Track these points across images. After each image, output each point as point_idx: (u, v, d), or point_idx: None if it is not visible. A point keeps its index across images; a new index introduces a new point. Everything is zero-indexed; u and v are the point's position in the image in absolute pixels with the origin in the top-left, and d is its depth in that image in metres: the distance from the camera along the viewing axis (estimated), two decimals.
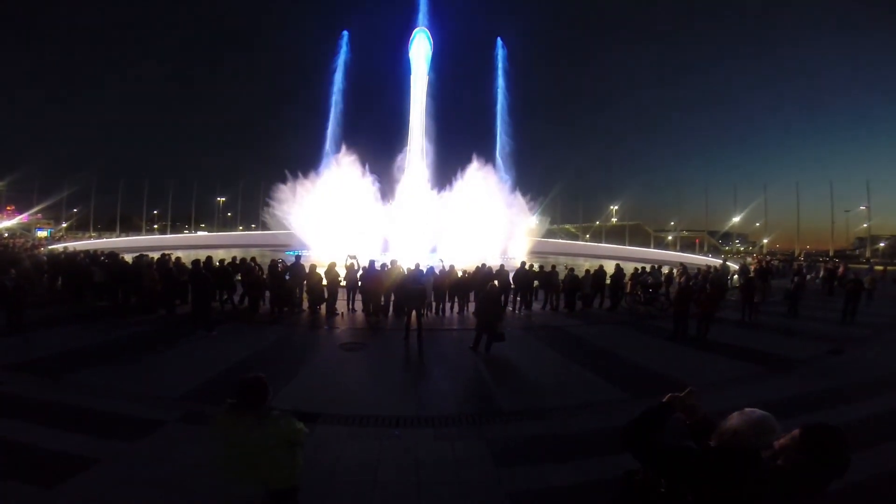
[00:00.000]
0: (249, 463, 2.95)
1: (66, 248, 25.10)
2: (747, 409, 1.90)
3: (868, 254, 50.31)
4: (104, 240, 44.22)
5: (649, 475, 1.99)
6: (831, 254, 49.74)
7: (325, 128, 38.68)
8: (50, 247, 29.55)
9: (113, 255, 16.69)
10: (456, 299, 13.65)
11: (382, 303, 12.45)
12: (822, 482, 1.82)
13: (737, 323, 12.46)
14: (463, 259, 20.05)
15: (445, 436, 5.38)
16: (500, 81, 40.26)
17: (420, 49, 36.36)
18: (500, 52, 40.75)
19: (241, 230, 52.18)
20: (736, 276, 21.72)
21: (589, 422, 5.88)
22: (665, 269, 18.15)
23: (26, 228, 56.38)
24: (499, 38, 40.80)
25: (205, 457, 4.59)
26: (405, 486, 4.23)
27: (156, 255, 14.89)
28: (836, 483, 1.83)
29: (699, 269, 19.29)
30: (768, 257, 40.14)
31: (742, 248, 64.19)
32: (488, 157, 38.09)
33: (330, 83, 39.07)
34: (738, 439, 1.81)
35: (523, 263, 14.90)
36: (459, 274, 13.88)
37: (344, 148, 34.62)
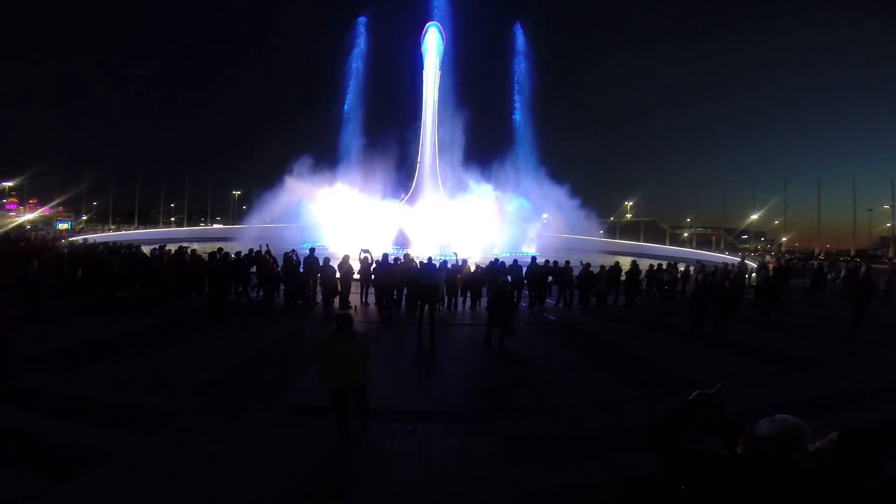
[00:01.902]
0: (342, 369, 4.74)
1: (85, 240, 25.57)
2: (778, 417, 1.80)
3: (891, 253, 48.92)
4: (122, 232, 45.05)
5: (670, 479, 1.91)
6: (852, 253, 48.54)
7: (339, 121, 38.91)
8: (70, 239, 30.18)
9: (130, 248, 16.96)
10: (469, 294, 13.58)
11: (395, 296, 12.47)
12: (855, 486, 1.76)
13: (754, 322, 12.20)
14: (475, 253, 20.02)
15: (457, 431, 5.36)
16: (519, 66, 40.20)
17: (432, 43, 36.28)
18: (519, 39, 40.59)
19: (256, 223, 52.57)
20: (754, 275, 21.32)
21: (602, 420, 5.81)
22: (681, 267, 17.86)
23: (47, 221, 57.63)
24: (517, 24, 40.62)
25: (219, 449, 4.65)
26: (417, 481, 4.22)
27: (174, 248, 15.10)
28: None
29: (716, 267, 18.96)
30: (787, 255, 39.32)
31: (759, 246, 62.92)
32: (505, 148, 38.15)
33: (345, 76, 39.28)
34: (767, 448, 1.73)
35: (534, 258, 14.75)
36: (473, 268, 13.80)
37: (358, 143, 34.95)
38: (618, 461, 4.55)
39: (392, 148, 36.82)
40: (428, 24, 36.56)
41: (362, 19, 40.87)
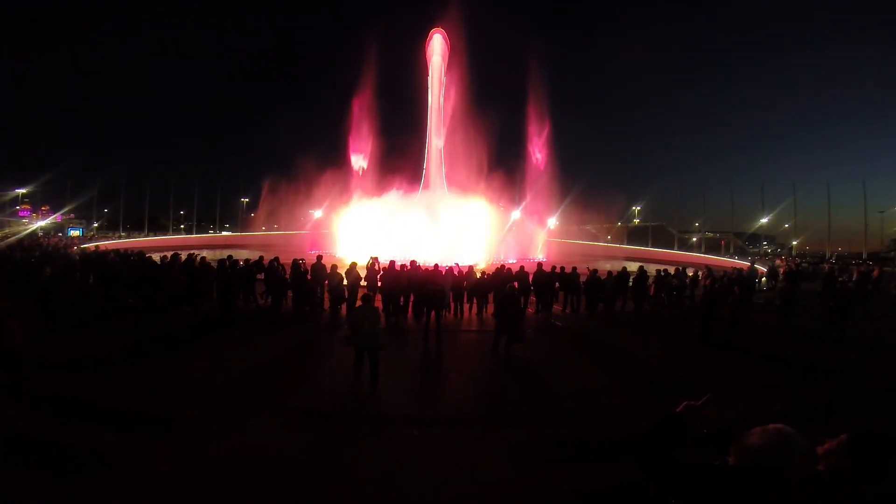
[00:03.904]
0: (368, 331, 6.67)
1: (97, 247, 25.92)
2: (771, 427, 1.72)
3: None
4: (132, 239, 45.54)
5: (660, 491, 1.83)
6: (864, 256, 47.83)
7: (348, 127, 39.12)
8: (82, 246, 30.60)
9: (140, 255, 17.17)
10: (475, 300, 13.55)
11: (402, 303, 12.49)
12: (863, 488, 1.75)
13: (766, 327, 12.06)
14: (469, 260, 20.10)
15: (465, 437, 5.37)
16: (528, 94, 40.22)
17: (437, 50, 36.37)
18: (532, 66, 40.61)
19: (264, 230, 52.79)
20: (764, 279, 21.12)
21: (609, 426, 5.78)
22: (690, 272, 17.72)
23: (59, 228, 58.33)
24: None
25: (229, 453, 4.69)
26: (423, 487, 4.23)
27: (184, 255, 15.25)
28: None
29: (724, 272, 18.78)
30: (797, 259, 38.85)
31: (769, 250, 62.19)
32: (513, 155, 38.18)
33: (354, 83, 39.48)
34: (756, 459, 1.67)
35: (540, 264, 14.72)
36: (478, 275, 13.81)
37: (367, 149, 35.19)
38: (625, 467, 4.51)
39: (399, 154, 37.13)
40: (433, 30, 36.69)
41: (373, 28, 41.30)
